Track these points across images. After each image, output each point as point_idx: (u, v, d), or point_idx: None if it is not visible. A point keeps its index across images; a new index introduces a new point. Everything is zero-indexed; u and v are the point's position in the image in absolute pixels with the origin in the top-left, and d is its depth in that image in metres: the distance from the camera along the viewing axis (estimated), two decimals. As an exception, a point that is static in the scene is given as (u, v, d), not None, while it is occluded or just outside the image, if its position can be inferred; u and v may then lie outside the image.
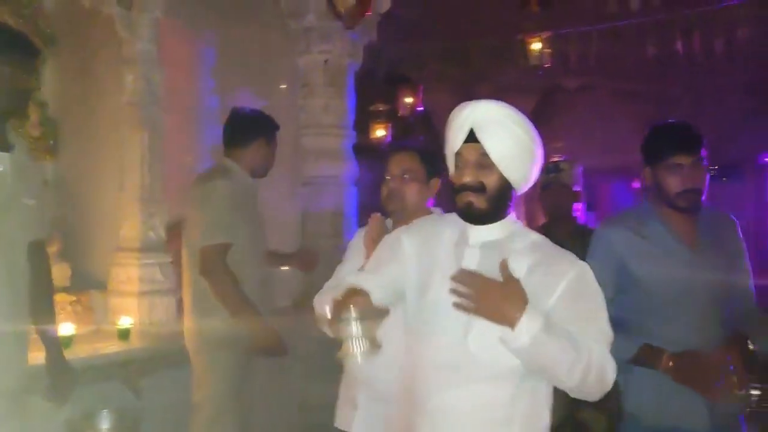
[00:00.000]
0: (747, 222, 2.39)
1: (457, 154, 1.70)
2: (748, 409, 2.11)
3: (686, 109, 8.60)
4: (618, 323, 2.19)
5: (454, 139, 1.69)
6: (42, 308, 2.38)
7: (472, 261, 1.69)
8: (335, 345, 1.56)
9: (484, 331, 1.59)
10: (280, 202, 4.17)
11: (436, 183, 2.37)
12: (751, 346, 2.16)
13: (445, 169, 1.81)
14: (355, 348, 1.52)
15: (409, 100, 7.91)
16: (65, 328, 3.00)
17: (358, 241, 2.37)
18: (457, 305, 1.59)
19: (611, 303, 2.16)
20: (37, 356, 2.39)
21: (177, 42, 3.95)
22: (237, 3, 4.25)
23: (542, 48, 6.74)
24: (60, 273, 3.35)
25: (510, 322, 1.54)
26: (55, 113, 3.88)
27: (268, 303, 3.16)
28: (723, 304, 2.23)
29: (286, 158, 3.25)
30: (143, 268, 3.52)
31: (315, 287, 2.10)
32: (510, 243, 1.70)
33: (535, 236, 1.75)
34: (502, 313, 1.55)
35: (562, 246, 1.75)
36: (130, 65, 3.57)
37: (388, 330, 1.61)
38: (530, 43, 6.76)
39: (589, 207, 11.29)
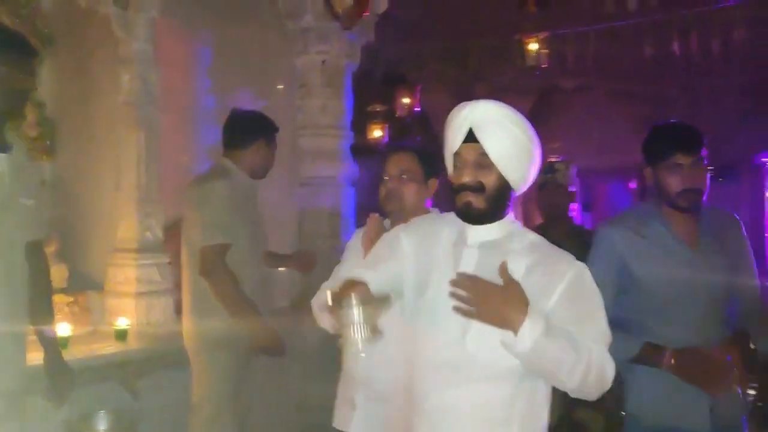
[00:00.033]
0: (743, 222, 2.40)
1: (456, 154, 1.70)
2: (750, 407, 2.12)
3: (683, 109, 8.61)
4: (619, 323, 2.20)
5: (453, 139, 1.68)
6: (40, 309, 2.37)
7: (470, 261, 1.69)
8: (333, 345, 1.56)
9: (482, 330, 1.59)
10: (278, 203, 4.17)
11: (434, 183, 2.37)
12: (752, 346, 2.16)
13: (443, 169, 1.81)
14: (356, 334, 1.50)
15: (406, 100, 7.91)
16: (62, 329, 2.99)
17: (356, 242, 2.37)
18: (457, 309, 1.59)
19: (614, 303, 2.18)
20: (35, 357, 2.38)
21: (173, 42, 3.95)
22: (234, 3, 4.25)
23: (539, 48, 6.75)
24: (57, 274, 3.33)
25: (512, 327, 1.54)
26: (52, 113, 3.87)
27: (267, 303, 3.16)
28: (724, 303, 2.23)
29: (283, 159, 3.25)
30: (140, 269, 3.52)
31: (313, 288, 2.10)
32: (508, 243, 1.70)
33: (533, 236, 1.75)
34: (504, 317, 1.55)
35: (559, 246, 1.75)
36: (127, 65, 3.56)
37: (386, 330, 1.61)
38: (527, 44, 6.77)
39: (586, 207, 11.31)
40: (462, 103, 1.68)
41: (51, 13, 3.78)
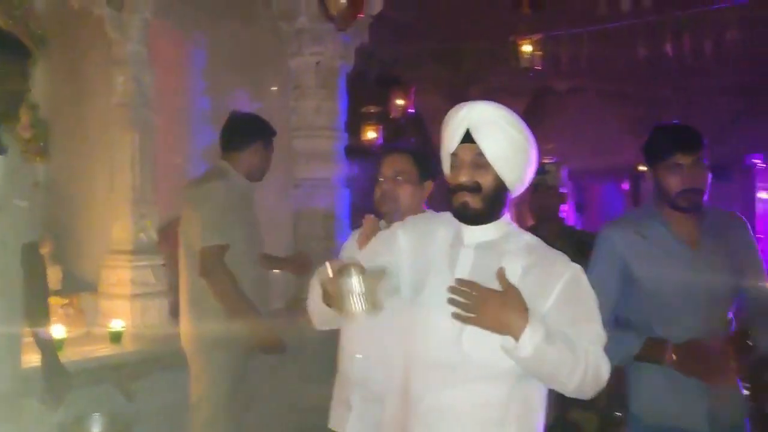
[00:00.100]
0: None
1: (453, 155, 1.70)
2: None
3: (676, 110, 8.63)
4: (620, 323, 2.21)
5: (450, 140, 1.69)
6: (37, 311, 2.37)
7: (466, 261, 1.69)
8: (330, 346, 1.55)
9: (478, 331, 1.59)
10: (272, 204, 4.17)
11: (429, 185, 2.38)
12: (750, 342, 2.17)
13: (439, 171, 1.82)
14: (357, 306, 1.48)
15: (400, 102, 7.90)
16: (57, 331, 2.98)
17: (351, 243, 2.37)
18: (456, 316, 1.59)
19: (615, 304, 2.19)
20: (30, 359, 2.37)
21: (167, 43, 3.95)
22: (228, 4, 4.25)
23: (533, 50, 6.75)
24: (51, 275, 3.31)
25: (512, 333, 1.54)
26: (45, 115, 3.87)
27: (264, 304, 3.16)
28: (726, 303, 2.24)
29: (277, 160, 3.25)
30: (135, 271, 3.51)
31: (307, 291, 2.10)
32: (504, 244, 1.71)
33: (529, 237, 1.75)
34: (503, 323, 1.55)
35: (551, 247, 1.76)
36: (120, 66, 3.56)
37: (382, 331, 1.60)
38: (521, 45, 6.78)
39: (579, 208, 11.33)
40: (459, 104, 1.69)
41: (44, 14, 3.78)
